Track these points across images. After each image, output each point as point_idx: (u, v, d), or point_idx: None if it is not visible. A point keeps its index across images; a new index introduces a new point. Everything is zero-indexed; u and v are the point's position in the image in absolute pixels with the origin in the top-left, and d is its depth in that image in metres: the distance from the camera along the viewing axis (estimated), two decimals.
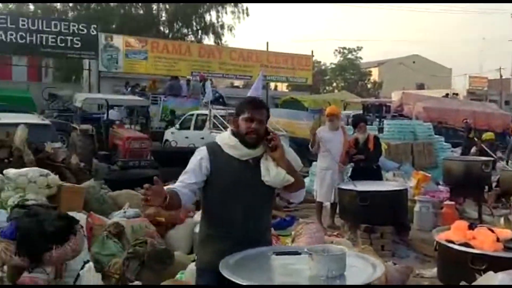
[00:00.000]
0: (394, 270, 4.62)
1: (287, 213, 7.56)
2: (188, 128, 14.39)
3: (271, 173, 2.56)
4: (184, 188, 2.53)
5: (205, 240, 2.64)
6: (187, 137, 13.81)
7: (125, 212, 5.91)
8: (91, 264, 3.37)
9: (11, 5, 27.76)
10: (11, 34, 18.94)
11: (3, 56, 23.43)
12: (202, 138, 12.78)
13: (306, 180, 9.70)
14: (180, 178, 2.61)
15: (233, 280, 2.08)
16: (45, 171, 6.07)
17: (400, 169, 9.54)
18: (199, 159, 2.61)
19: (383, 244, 5.94)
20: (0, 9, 27.00)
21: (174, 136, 14.53)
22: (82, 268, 3.94)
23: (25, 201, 5.36)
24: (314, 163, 9.21)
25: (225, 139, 2.64)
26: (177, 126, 14.91)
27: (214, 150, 2.62)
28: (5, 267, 4.11)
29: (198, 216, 4.80)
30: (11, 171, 5.97)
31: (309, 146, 7.25)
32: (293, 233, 5.11)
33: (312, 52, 31.42)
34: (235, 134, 2.62)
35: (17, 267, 3.66)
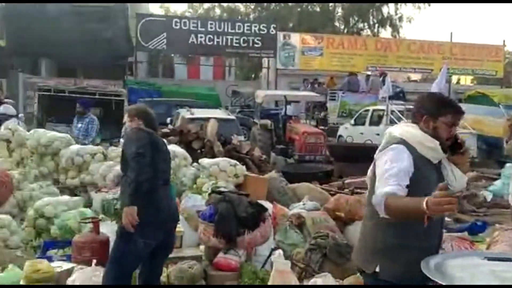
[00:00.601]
0: None
1: (476, 217, 6.92)
2: (363, 123, 14.17)
3: (457, 177, 2.44)
4: (404, 192, 2.23)
5: (395, 250, 2.41)
6: (361, 133, 13.62)
7: (304, 204, 6.04)
8: (280, 251, 3.52)
9: (200, 10, 30.67)
10: (201, 37, 20.88)
11: (193, 57, 26.03)
12: (378, 134, 12.45)
13: (497, 182, 8.78)
14: (392, 180, 2.26)
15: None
16: (234, 161, 6.57)
17: None
18: (407, 158, 2.34)
19: None
20: (191, 14, 30.01)
21: (348, 132, 14.46)
22: (270, 254, 4.15)
23: (217, 188, 5.87)
24: (507, 164, 8.28)
25: (417, 137, 2.40)
26: (352, 121, 14.80)
27: (411, 150, 2.38)
28: (201, 247, 4.56)
29: None
30: (205, 161, 6.59)
31: (505, 141, 6.54)
32: (487, 239, 4.65)
33: (504, 41, 28.21)
34: (427, 134, 2.41)
35: (214, 247, 4.01)
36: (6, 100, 10.60)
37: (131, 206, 3.11)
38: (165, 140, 3.88)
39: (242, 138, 10.49)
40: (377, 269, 2.43)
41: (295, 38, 21.61)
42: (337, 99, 17.17)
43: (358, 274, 4.04)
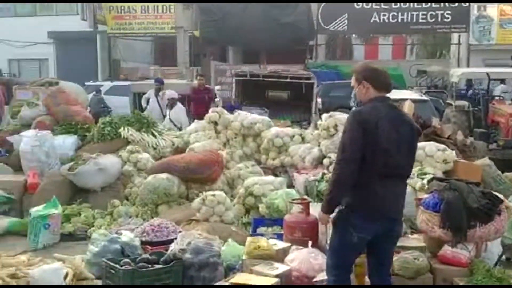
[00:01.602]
0: None
1: None
2: None
3: None
4: None
5: None
6: None
7: None
8: None
9: None
10: (384, 15, 19.98)
11: (372, 37, 25.12)
12: None
13: None
14: None
15: None
16: (442, 146, 6.08)
17: None
18: None
19: None
20: None
21: None
22: (503, 252, 3.67)
23: (424, 174, 5.47)
24: None
25: None
26: None
27: None
28: (413, 236, 4.24)
29: None
30: None
31: None
32: None
33: None
34: None
35: (439, 239, 3.67)
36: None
37: (325, 214, 3.10)
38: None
39: (437, 120, 9.71)
40: None
41: (492, 10, 19.32)
42: None
43: None
